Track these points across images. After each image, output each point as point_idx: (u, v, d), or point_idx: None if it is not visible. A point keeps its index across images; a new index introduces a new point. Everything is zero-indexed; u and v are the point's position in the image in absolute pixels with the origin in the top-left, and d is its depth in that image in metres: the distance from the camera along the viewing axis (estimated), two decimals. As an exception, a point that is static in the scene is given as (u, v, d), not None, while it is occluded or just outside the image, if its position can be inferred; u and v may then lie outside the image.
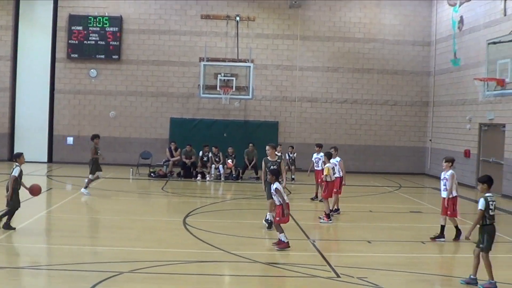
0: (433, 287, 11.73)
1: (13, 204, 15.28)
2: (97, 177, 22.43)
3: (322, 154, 20.81)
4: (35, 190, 15.87)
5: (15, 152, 20.34)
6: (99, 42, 32.75)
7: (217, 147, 28.83)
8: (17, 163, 15.61)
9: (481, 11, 28.32)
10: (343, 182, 19.61)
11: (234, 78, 31.31)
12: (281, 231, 14.44)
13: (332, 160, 19.11)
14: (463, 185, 28.43)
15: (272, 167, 16.24)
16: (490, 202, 11.72)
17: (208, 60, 32.19)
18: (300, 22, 33.93)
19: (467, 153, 29.07)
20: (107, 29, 32.73)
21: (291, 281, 11.90)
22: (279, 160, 16.74)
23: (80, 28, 32.63)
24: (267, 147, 17.13)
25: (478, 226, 11.76)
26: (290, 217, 14.90)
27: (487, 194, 11.86)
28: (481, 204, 11.70)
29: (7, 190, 15.30)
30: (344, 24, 34.20)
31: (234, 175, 28.47)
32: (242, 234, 16.04)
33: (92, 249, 14.00)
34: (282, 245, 14.26)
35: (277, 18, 33.93)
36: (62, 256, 13.19)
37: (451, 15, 31.67)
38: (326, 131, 34.13)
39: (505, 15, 26.03)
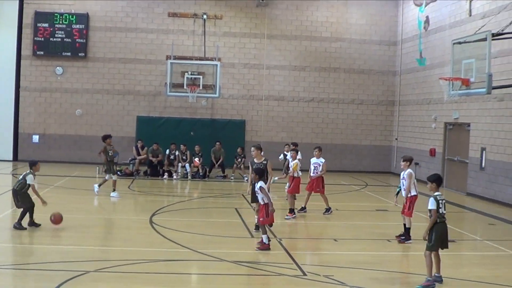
0: (397, 285, 11.81)
1: (25, 204, 15.53)
2: (105, 180, 22.06)
3: (322, 159, 19.95)
4: (56, 220, 15.75)
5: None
6: (65, 39, 32.43)
7: (186, 145, 28.77)
8: (31, 170, 15.81)
9: (446, 11, 28.61)
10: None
11: (201, 77, 31.29)
12: (265, 231, 14.36)
13: (314, 160, 19.56)
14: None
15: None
16: (440, 201, 11.70)
17: (175, 58, 32.11)
18: (267, 20, 33.97)
19: (432, 152, 29.35)
20: (74, 26, 32.41)
21: (258, 279, 11.91)
22: (264, 162, 16.19)
23: (46, 25, 32.29)
24: (252, 148, 16.62)
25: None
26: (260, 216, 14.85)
27: (436, 193, 11.85)
28: (431, 204, 11.71)
29: (18, 195, 15.62)
30: (311, 23, 34.31)
31: (201, 174, 28.42)
32: (209, 232, 16.02)
33: (57, 248, 13.86)
34: (264, 246, 14.15)
35: (244, 16, 33.93)
36: (27, 255, 13.08)
37: (417, 15, 31.94)
38: (293, 130, 34.22)
39: (470, 15, 26.32)
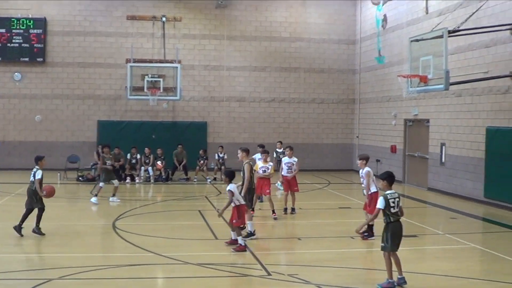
0: (361, 281, 11.90)
1: (42, 203, 16.01)
2: (115, 186, 22.18)
3: (295, 158, 20.45)
4: (49, 193, 16.18)
5: None
6: (23, 44, 32.06)
7: (150, 148, 28.68)
8: (37, 166, 16.05)
9: (404, 9, 28.91)
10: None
11: (161, 79, 31.23)
12: (239, 233, 14.41)
13: (287, 159, 20.07)
14: (390, 180, 28.93)
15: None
16: (391, 200, 11.31)
17: (134, 61, 31.96)
18: (226, 22, 33.99)
19: (393, 149, 29.63)
20: (31, 31, 32.05)
21: (223, 281, 11.91)
22: (244, 165, 16.20)
23: (3, 30, 31.87)
24: (238, 151, 16.71)
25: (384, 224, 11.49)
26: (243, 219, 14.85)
27: (387, 192, 11.47)
28: (380, 204, 11.35)
29: (35, 195, 15.93)
30: (270, 24, 34.41)
31: (163, 177, 28.34)
32: (173, 236, 15.99)
33: (19, 257, 13.71)
34: (240, 248, 14.16)
35: (204, 18, 33.90)
36: (-12, 264, 12.90)
37: (375, 14, 32.23)
38: (255, 130, 34.29)
39: (427, 13, 26.63)
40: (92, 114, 33.09)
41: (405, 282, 11.40)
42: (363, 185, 16.00)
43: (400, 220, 11.49)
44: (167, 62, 32.63)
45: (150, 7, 33.38)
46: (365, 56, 33.80)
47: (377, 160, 30.46)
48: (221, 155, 29.56)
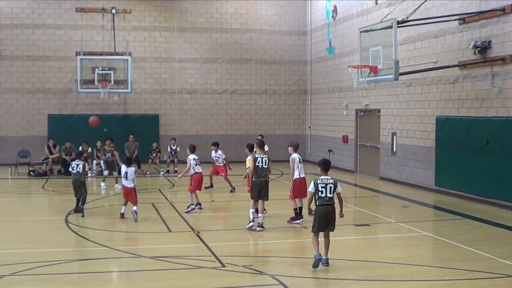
0: (314, 270, 11.97)
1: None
2: (115, 176, 24.41)
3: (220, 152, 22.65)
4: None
5: None
6: (-31, 38, 31.50)
7: (102, 141, 28.36)
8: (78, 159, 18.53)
9: (353, 0, 29.08)
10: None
11: (112, 72, 30.99)
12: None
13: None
14: (342, 169, 29.28)
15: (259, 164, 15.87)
16: (320, 185, 11.87)
17: (84, 54, 31.65)
18: (177, 14, 33.81)
19: (345, 139, 29.86)
20: (-23, 24, 31.49)
21: (177, 273, 11.87)
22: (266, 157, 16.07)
23: None
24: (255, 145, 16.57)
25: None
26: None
27: (321, 177, 12.03)
28: (310, 187, 12.09)
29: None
30: (221, 15, 34.34)
31: (115, 170, 28.06)
32: (126, 229, 15.91)
33: (-31, 254, 13.49)
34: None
35: (154, 10, 33.67)
36: None
37: (325, 5, 32.39)
38: (207, 122, 34.25)
39: (376, 3, 26.87)
40: (43, 108, 32.64)
41: (327, 264, 11.83)
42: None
43: (330, 204, 11.97)
44: (117, 54, 32.36)
45: (99, -1, 33.05)
46: (316, 47, 33.96)
47: (329, 151, 30.68)
48: (173, 148, 29.46)
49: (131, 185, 17.14)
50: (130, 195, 17.17)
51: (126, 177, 17.13)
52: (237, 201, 20.35)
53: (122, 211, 17.30)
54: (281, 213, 18.07)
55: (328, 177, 12.05)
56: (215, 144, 23.07)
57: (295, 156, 16.71)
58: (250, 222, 15.65)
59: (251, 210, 15.71)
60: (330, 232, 12.01)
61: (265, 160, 15.86)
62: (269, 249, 13.80)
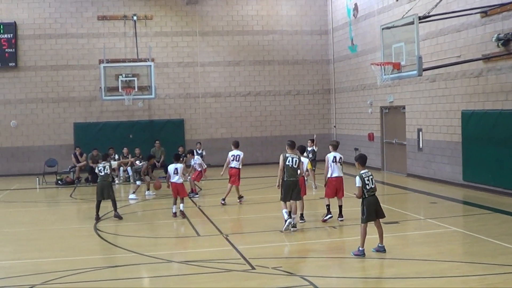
0: (345, 270, 11.94)
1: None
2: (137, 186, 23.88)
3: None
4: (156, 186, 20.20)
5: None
6: (-7, 50, 31.82)
7: (128, 148, 28.52)
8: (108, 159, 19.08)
9: (374, -3, 29.00)
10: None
11: (135, 78, 31.17)
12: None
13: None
14: (369, 167, 29.03)
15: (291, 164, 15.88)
16: (366, 178, 12.67)
17: (108, 61, 31.84)
18: (198, 18, 33.90)
19: (371, 137, 29.75)
20: (1, 36, 31.74)
21: (207, 277, 11.89)
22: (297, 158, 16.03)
23: (-28, 36, 31.63)
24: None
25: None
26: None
27: (362, 171, 12.74)
28: (357, 182, 12.67)
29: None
30: (242, 18, 34.38)
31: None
32: (155, 235, 15.99)
33: (1, 264, 13.57)
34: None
35: (175, 15, 33.79)
36: (-30, 273, 12.78)
37: (345, 3, 32.30)
38: (232, 125, 34.29)
39: (397, 0, 26.72)
40: (68, 117, 32.88)
41: (384, 251, 12.74)
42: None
43: (375, 194, 12.82)
44: (140, 61, 32.50)
45: (120, 6, 33.21)
46: (338, 46, 33.88)
47: (356, 149, 30.58)
48: (199, 152, 29.52)
49: (181, 181, 18.21)
50: (181, 190, 18.13)
51: (176, 173, 18.06)
52: (263, 203, 20.33)
53: (174, 211, 18.07)
54: (309, 213, 17.99)
55: (366, 170, 12.87)
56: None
57: (329, 155, 16.85)
58: (285, 224, 15.57)
59: (284, 211, 15.72)
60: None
61: (295, 160, 15.81)
62: (298, 250, 13.79)
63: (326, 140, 34.87)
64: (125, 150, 28.43)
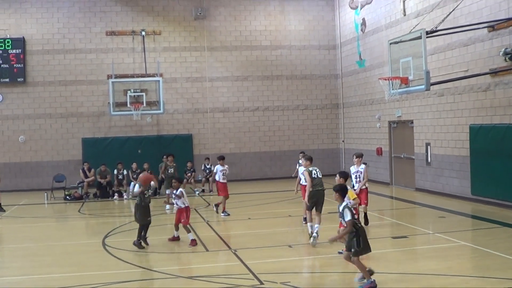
0: (353, 285, 11.90)
1: (139, 220, 16.43)
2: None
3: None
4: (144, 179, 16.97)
5: None
6: (2, 65, 31.91)
7: (136, 163, 28.55)
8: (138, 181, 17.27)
9: (382, 12, 29.06)
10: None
11: (144, 94, 31.27)
12: (189, 231, 16.19)
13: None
14: (378, 182, 29.09)
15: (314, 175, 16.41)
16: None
17: (116, 77, 31.93)
18: (206, 33, 34.02)
19: (379, 151, 29.72)
20: (10, 51, 31.94)
21: (215, 292, 11.89)
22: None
23: (-19, 53, 31.80)
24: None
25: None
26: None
27: (344, 203, 12.08)
28: (349, 215, 11.74)
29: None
30: (250, 33, 34.49)
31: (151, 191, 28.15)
32: (163, 250, 15.95)
33: (9, 280, 13.58)
34: (193, 243, 15.85)
35: (183, 30, 33.92)
36: (-22, 289, 12.81)
37: (353, 18, 32.37)
38: (240, 140, 34.32)
39: (404, 15, 26.79)
40: (76, 132, 32.98)
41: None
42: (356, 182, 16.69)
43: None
44: (148, 76, 32.64)
45: (129, 22, 33.38)
46: (346, 61, 33.92)
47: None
48: (208, 166, 29.57)
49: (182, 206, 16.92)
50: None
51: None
52: (272, 218, 20.31)
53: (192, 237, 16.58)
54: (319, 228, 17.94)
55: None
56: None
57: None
58: (311, 237, 15.68)
59: (309, 225, 16.13)
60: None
61: (319, 171, 16.51)
62: (307, 264, 13.76)
63: (334, 155, 35.00)
64: (134, 165, 28.46)
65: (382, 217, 19.96)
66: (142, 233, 16.34)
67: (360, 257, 11.58)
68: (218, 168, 22.25)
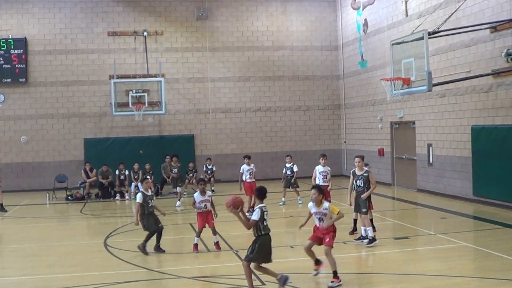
0: (355, 285, 11.89)
1: (148, 228, 15.68)
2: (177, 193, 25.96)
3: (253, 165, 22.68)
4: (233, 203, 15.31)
5: None
6: (4, 65, 31.94)
7: (138, 163, 28.54)
8: (141, 187, 16.87)
9: (384, 13, 29.05)
10: None
11: (146, 94, 31.28)
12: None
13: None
14: (379, 183, 28.99)
15: (358, 180, 16.11)
16: (265, 212, 11.54)
17: (118, 77, 31.95)
18: (208, 33, 34.03)
19: (381, 152, 29.70)
20: (12, 51, 31.95)
21: (217, 293, 11.89)
22: (365, 174, 16.16)
23: (-17, 53, 31.82)
24: (357, 159, 16.55)
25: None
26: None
27: (261, 205, 11.60)
28: (255, 215, 11.44)
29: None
30: (252, 34, 34.49)
31: (153, 191, 28.15)
32: (165, 250, 15.94)
33: (10, 280, 13.57)
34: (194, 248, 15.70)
35: (185, 31, 33.93)
36: (-20, 289, 12.81)
37: (355, 19, 32.36)
38: (242, 141, 34.32)
39: (406, 15, 26.78)
40: (78, 132, 33.00)
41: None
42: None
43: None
44: (150, 76, 32.65)
45: (131, 22, 33.39)
46: (348, 61, 33.92)
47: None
48: (209, 167, 29.56)
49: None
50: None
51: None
52: (273, 219, 20.29)
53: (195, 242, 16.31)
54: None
55: (264, 204, 11.63)
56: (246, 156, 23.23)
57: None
58: (371, 240, 15.52)
59: (362, 228, 15.80)
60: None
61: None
62: (309, 265, 13.72)
63: (336, 156, 34.96)
64: (135, 165, 28.47)
65: (384, 218, 19.95)
66: (155, 242, 15.76)
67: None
68: (244, 168, 22.37)
